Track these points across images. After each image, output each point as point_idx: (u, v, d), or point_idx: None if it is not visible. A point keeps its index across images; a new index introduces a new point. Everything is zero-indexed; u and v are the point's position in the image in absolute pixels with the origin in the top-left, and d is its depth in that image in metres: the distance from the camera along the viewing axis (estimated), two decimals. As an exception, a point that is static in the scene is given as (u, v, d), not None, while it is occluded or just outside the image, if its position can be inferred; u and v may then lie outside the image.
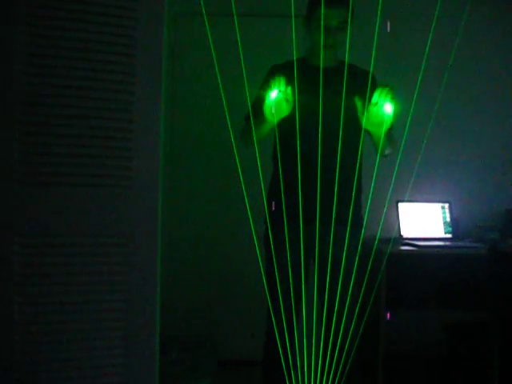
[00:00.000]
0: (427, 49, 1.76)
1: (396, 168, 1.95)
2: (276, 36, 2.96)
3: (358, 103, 1.94)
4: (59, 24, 1.32)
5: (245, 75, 1.62)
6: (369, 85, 1.97)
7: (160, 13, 1.39)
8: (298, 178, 1.84)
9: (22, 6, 1.29)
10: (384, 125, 1.89)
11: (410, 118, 1.82)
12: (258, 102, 2.04)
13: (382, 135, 1.93)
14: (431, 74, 2.26)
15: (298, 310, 2.13)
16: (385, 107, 1.86)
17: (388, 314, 2.33)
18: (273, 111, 1.91)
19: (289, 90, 1.88)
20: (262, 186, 1.97)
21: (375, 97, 1.85)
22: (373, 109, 1.88)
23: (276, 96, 1.88)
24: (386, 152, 2.17)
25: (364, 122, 1.94)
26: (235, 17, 1.62)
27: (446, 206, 3.21)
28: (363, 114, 1.93)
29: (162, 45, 1.40)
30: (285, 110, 1.93)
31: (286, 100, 1.89)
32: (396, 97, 1.87)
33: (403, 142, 1.94)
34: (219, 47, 1.76)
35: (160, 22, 1.39)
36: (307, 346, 1.82)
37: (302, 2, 2.24)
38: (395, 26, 3.14)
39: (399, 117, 2.15)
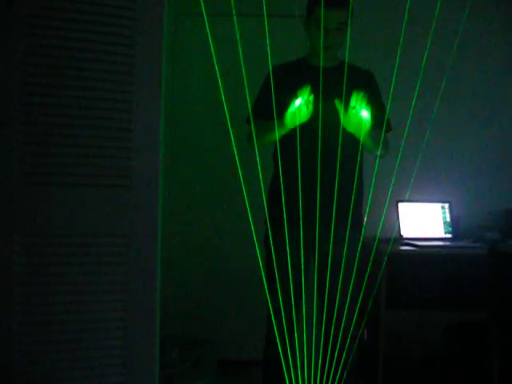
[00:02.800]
0: (427, 49, 1.76)
1: (396, 168, 1.95)
2: (276, 36, 2.96)
3: (338, 105, 1.98)
4: (59, 24, 1.32)
5: (245, 75, 1.62)
6: (368, 84, 1.98)
7: (160, 13, 1.39)
8: (298, 178, 1.85)
9: (22, 6, 1.29)
10: (363, 128, 1.95)
11: (410, 118, 1.83)
12: (266, 107, 2.05)
13: (362, 137, 1.98)
14: (431, 74, 2.26)
15: (298, 311, 2.13)
16: (362, 112, 1.93)
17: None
18: (294, 118, 1.99)
19: (311, 97, 1.95)
20: (262, 186, 1.97)
21: (352, 101, 1.90)
22: (351, 112, 1.93)
23: (299, 103, 1.96)
24: (378, 153, 2.17)
25: (343, 123, 1.98)
26: (235, 17, 1.62)
27: (446, 206, 3.20)
28: (344, 116, 1.99)
29: (161, 45, 1.40)
30: (305, 117, 2.00)
31: (307, 107, 1.97)
32: (388, 121, 1.90)
33: (403, 142, 1.94)
34: (219, 47, 1.76)
35: (160, 22, 1.39)
36: (307, 346, 1.82)
37: (302, 3, 2.24)
38: (396, 24, 3.14)
39: (399, 117, 2.15)
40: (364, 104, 1.92)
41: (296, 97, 1.96)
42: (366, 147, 2.16)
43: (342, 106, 1.98)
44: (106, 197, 1.37)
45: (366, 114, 1.93)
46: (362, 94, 1.91)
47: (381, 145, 2.07)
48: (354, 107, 1.93)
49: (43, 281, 1.34)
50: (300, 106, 1.97)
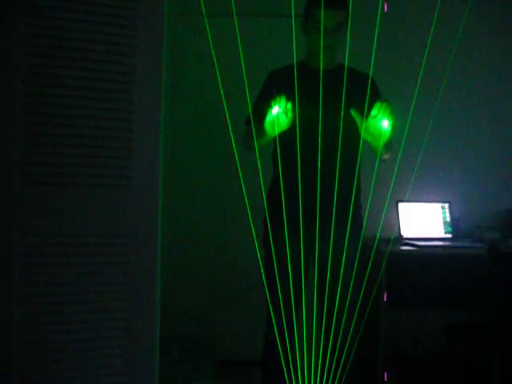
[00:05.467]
0: (427, 49, 1.76)
1: (396, 168, 1.95)
2: (276, 36, 2.96)
3: (355, 115, 1.97)
4: (59, 24, 1.32)
5: (245, 75, 1.63)
6: (368, 88, 1.98)
7: (160, 13, 1.39)
8: (297, 179, 1.85)
9: (21, 5, 1.29)
10: (382, 137, 1.93)
11: (409, 118, 1.82)
12: (258, 112, 2.06)
13: (380, 147, 1.97)
14: (431, 74, 2.26)
15: (298, 311, 2.13)
16: (382, 122, 1.90)
17: (385, 295, 2.33)
18: (273, 126, 1.97)
19: (289, 105, 1.93)
20: (262, 186, 1.97)
21: (374, 110, 1.88)
22: (371, 121, 1.92)
23: (276, 112, 1.93)
24: (384, 157, 2.18)
25: (363, 133, 1.97)
26: (235, 17, 1.62)
27: (446, 206, 3.20)
28: (362, 125, 1.97)
29: (162, 45, 1.40)
30: (284, 125, 1.98)
31: (286, 115, 1.94)
32: (394, 112, 1.90)
33: (403, 142, 1.94)
34: (219, 47, 1.76)
35: (160, 22, 1.39)
36: (307, 346, 1.82)
37: (302, 2, 2.24)
38: (396, 26, 3.14)
39: (399, 117, 2.15)
40: (387, 114, 1.89)
41: (271, 106, 1.94)
42: (375, 153, 2.15)
43: (358, 116, 1.97)
44: (106, 197, 1.37)
45: (386, 123, 1.90)
46: (385, 104, 1.88)
47: (382, 150, 2.07)
48: (376, 116, 1.92)
49: (43, 281, 1.34)
50: (278, 114, 1.94)
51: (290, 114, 1.95)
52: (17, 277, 1.31)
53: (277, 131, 1.97)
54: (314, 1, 2.14)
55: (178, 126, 3.27)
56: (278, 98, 1.92)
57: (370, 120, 1.94)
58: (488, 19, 3.31)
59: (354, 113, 1.98)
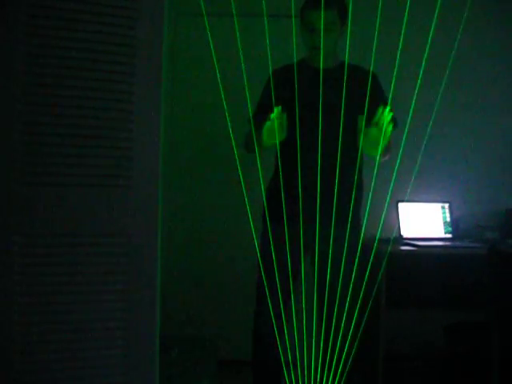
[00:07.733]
0: (427, 48, 1.76)
1: (396, 168, 1.95)
2: (276, 36, 2.96)
3: (360, 121, 1.97)
4: (59, 24, 1.32)
5: (245, 75, 1.63)
6: (369, 84, 1.98)
7: (160, 13, 1.39)
8: (297, 177, 1.85)
9: (21, 5, 1.29)
10: (380, 145, 1.93)
11: (410, 118, 1.82)
12: (258, 116, 2.07)
13: (378, 155, 1.96)
14: (432, 74, 2.26)
15: (289, 308, 2.14)
16: (383, 130, 1.89)
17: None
18: (271, 137, 1.97)
19: (284, 116, 1.93)
20: (262, 185, 1.97)
21: (376, 117, 1.88)
22: (372, 129, 1.91)
23: (272, 124, 1.93)
24: (382, 159, 2.18)
25: (361, 142, 1.97)
26: (235, 17, 1.63)
27: (446, 206, 3.20)
28: (361, 131, 1.97)
29: (161, 45, 1.40)
30: (281, 136, 1.98)
31: (282, 127, 1.95)
32: (395, 119, 1.89)
33: (403, 143, 1.94)
34: (219, 47, 1.76)
35: (160, 21, 1.39)
36: (307, 346, 1.82)
37: (302, 3, 2.25)
38: (395, 23, 3.14)
39: (399, 117, 2.15)
40: (388, 120, 1.88)
41: (269, 119, 1.94)
42: (371, 154, 2.15)
43: (364, 121, 1.97)
44: (106, 197, 1.37)
45: (387, 131, 1.89)
46: (387, 110, 1.88)
47: (385, 154, 2.07)
48: (377, 123, 1.90)
49: (43, 281, 1.34)
50: (275, 126, 1.93)
51: (284, 123, 1.95)
52: (17, 277, 1.31)
53: (277, 140, 1.97)
54: (304, 2, 2.18)
55: (178, 125, 3.27)
56: (275, 110, 1.92)
57: (372, 128, 1.92)
58: (490, 18, 3.31)
59: (359, 119, 1.97)
